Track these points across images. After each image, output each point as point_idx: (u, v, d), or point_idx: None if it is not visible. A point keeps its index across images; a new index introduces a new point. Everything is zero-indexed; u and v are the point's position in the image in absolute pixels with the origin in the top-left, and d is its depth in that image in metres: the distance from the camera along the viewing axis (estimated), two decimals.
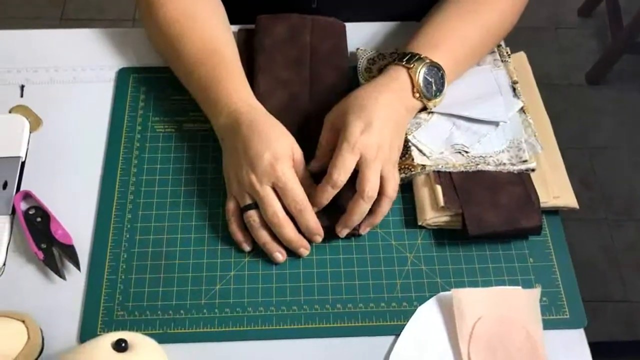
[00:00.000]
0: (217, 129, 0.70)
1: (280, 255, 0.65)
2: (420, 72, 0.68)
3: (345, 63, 0.78)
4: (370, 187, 0.63)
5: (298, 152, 0.66)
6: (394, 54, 0.79)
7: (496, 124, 0.72)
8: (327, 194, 0.64)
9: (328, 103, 0.73)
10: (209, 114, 0.71)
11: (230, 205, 0.67)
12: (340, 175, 0.63)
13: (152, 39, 0.78)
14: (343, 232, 0.66)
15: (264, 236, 0.65)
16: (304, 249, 0.66)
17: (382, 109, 0.65)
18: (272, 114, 0.71)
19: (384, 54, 0.80)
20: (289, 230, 0.64)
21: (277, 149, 0.64)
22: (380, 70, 0.73)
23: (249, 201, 0.65)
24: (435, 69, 0.69)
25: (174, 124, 0.75)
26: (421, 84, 0.68)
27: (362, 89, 0.68)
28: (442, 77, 0.69)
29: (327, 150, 0.67)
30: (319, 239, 0.65)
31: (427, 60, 0.68)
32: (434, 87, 0.69)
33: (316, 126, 0.71)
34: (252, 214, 0.65)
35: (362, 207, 0.63)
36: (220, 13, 0.77)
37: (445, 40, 0.71)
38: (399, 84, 0.68)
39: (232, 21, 0.82)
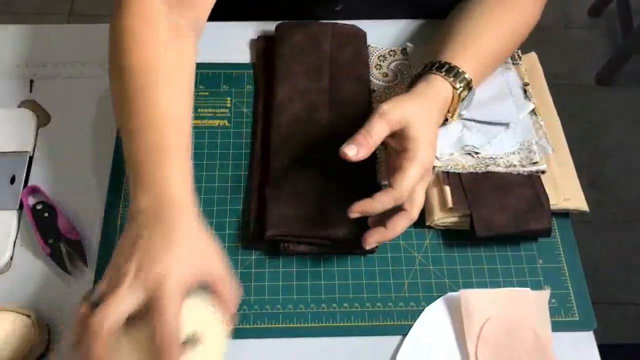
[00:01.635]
0: (134, 209, 0.54)
1: None
2: (464, 98, 0.66)
3: (365, 72, 0.77)
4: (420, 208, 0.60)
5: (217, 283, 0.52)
6: (403, 51, 0.79)
7: (507, 124, 0.71)
8: (387, 204, 0.58)
9: (347, 113, 0.73)
10: (132, 192, 0.55)
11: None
12: (406, 194, 0.58)
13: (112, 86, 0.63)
14: (372, 243, 0.60)
15: None
16: None
17: (436, 132, 0.63)
18: (290, 123, 0.72)
19: (394, 50, 0.79)
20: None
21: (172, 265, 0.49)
22: (402, 74, 0.72)
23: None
24: (472, 90, 0.67)
25: None
26: (460, 108, 0.67)
27: (424, 102, 0.63)
28: (472, 97, 0.69)
29: (373, 144, 0.59)
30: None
31: (469, 79, 0.66)
32: (463, 108, 0.69)
33: (334, 135, 0.71)
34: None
35: (405, 225, 0.60)
36: (184, 74, 0.62)
37: (477, 51, 0.68)
38: (445, 103, 0.65)
39: (247, 18, 0.81)
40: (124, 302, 0.47)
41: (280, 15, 0.81)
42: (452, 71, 0.65)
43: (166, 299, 0.47)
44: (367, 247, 0.60)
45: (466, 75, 0.65)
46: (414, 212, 0.60)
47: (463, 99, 0.66)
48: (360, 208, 0.58)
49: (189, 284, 0.50)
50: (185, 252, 0.50)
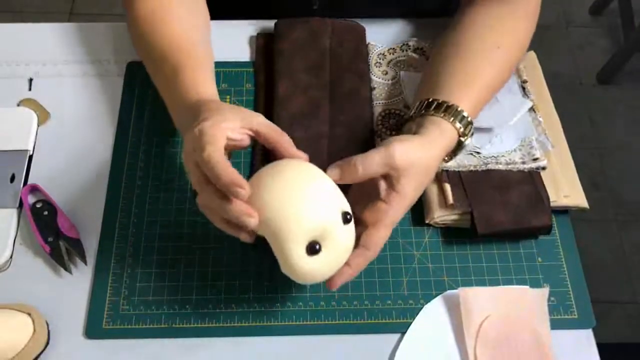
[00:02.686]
0: (178, 124, 0.63)
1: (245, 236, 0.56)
2: (467, 143, 0.64)
3: (365, 67, 0.77)
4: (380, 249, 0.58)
5: (252, 121, 0.56)
6: (402, 47, 0.79)
7: (505, 123, 0.71)
8: (362, 266, 0.57)
9: (348, 107, 0.73)
10: (172, 111, 0.64)
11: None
12: (379, 251, 0.58)
13: (130, 35, 0.74)
14: (339, 284, 0.57)
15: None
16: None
17: (423, 188, 0.61)
18: (292, 118, 0.72)
19: (394, 48, 0.79)
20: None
21: (210, 117, 0.54)
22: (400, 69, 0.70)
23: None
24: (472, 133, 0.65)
25: None
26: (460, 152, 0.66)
27: (430, 152, 0.60)
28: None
29: (361, 178, 0.57)
30: (251, 222, 0.52)
31: (473, 130, 0.64)
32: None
33: (336, 130, 0.71)
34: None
35: (365, 264, 0.58)
36: (195, 11, 0.72)
37: (477, 89, 0.65)
38: (449, 147, 0.63)
39: (230, 17, 0.82)
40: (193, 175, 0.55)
41: (256, 14, 0.82)
42: (458, 115, 0.62)
43: (199, 140, 0.53)
44: (334, 289, 0.57)
45: (471, 120, 0.63)
46: (375, 253, 0.58)
47: (464, 145, 0.64)
48: (339, 281, 0.57)
49: (229, 120, 0.55)
50: (215, 113, 0.55)
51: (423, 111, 0.64)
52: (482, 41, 0.68)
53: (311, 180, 0.55)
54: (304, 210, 0.53)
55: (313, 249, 0.53)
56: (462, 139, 0.63)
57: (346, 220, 0.54)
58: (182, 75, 0.62)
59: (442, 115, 0.62)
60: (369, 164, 0.57)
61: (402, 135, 0.61)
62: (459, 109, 0.62)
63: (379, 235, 0.57)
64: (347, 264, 0.56)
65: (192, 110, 0.58)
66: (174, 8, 0.69)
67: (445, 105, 0.63)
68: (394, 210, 0.57)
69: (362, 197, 0.59)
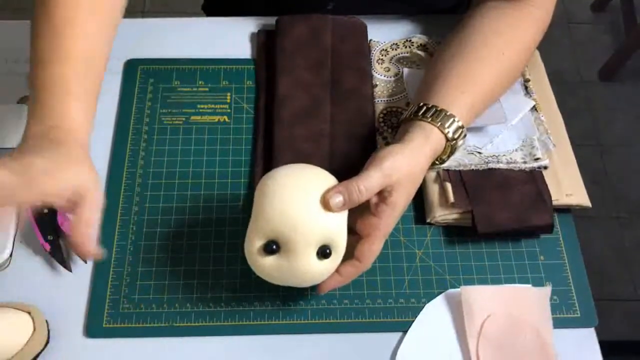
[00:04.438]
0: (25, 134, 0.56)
1: None
2: (457, 150, 0.65)
3: (366, 64, 0.77)
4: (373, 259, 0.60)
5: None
6: (406, 43, 0.78)
7: (504, 122, 0.70)
8: (354, 276, 0.60)
9: (350, 105, 0.73)
10: (29, 117, 0.57)
11: None
12: (370, 264, 0.59)
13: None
14: (327, 289, 0.60)
15: None
16: None
17: (417, 185, 0.62)
18: (293, 116, 0.72)
19: (397, 44, 0.79)
20: None
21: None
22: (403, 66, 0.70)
23: None
24: (465, 138, 0.65)
25: (181, 116, 0.75)
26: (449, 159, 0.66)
27: (416, 159, 0.60)
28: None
29: (364, 199, 0.57)
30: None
31: (462, 128, 0.63)
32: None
33: (338, 128, 0.71)
34: None
35: (356, 274, 0.60)
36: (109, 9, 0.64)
37: (472, 94, 0.64)
38: (436, 151, 0.63)
39: (241, 15, 0.81)
40: None
41: (270, 14, 0.81)
42: (449, 120, 0.62)
43: None
44: (322, 294, 0.61)
45: (462, 126, 0.63)
46: (367, 265, 0.59)
47: (456, 149, 0.64)
48: (329, 287, 0.59)
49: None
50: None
51: (412, 116, 0.63)
52: (487, 47, 0.67)
53: (320, 187, 0.57)
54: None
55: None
56: (452, 143, 0.63)
57: (325, 255, 0.56)
58: (68, 97, 0.56)
59: (429, 119, 0.62)
60: (371, 186, 0.57)
61: (390, 147, 0.60)
62: (448, 113, 0.62)
63: (371, 249, 0.58)
64: (337, 271, 0.58)
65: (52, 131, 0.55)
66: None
67: (434, 109, 0.62)
68: (384, 224, 0.59)
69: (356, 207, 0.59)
